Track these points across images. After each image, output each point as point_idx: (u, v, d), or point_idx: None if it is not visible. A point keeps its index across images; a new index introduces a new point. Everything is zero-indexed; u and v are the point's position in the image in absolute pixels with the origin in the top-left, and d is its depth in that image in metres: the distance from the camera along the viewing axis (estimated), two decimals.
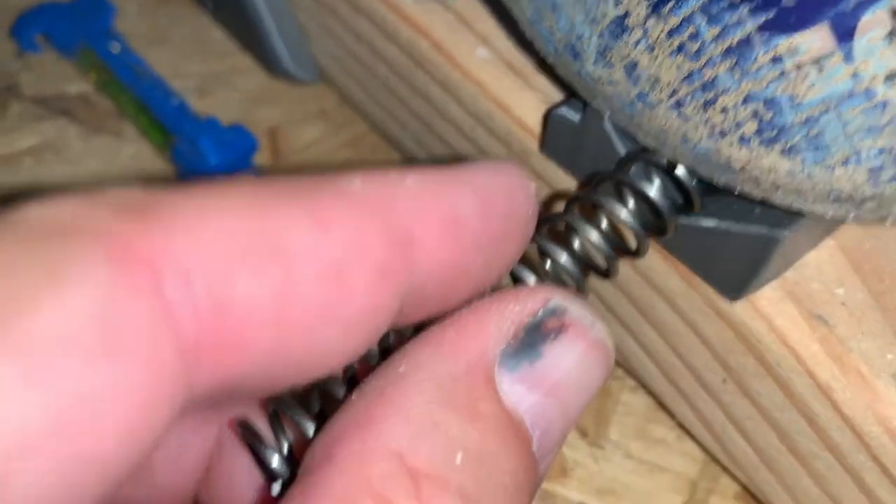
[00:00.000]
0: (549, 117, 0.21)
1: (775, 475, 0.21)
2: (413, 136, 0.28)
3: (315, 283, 0.12)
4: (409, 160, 0.30)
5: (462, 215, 0.14)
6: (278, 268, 0.11)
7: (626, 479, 0.24)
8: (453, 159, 0.25)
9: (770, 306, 0.19)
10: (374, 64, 0.27)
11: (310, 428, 0.15)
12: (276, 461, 0.15)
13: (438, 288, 0.14)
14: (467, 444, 0.13)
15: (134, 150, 0.30)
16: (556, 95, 0.22)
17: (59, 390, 0.09)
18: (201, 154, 0.26)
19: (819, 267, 0.19)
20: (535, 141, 0.22)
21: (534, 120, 0.22)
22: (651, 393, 0.25)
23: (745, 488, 0.23)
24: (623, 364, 0.24)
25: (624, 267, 0.21)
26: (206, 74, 0.32)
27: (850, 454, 0.18)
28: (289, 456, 0.15)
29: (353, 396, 0.14)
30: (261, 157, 0.29)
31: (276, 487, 0.15)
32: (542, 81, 0.23)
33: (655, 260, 0.20)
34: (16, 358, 0.09)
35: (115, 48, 0.30)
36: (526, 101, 0.22)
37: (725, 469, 0.23)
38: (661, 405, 0.24)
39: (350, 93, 0.30)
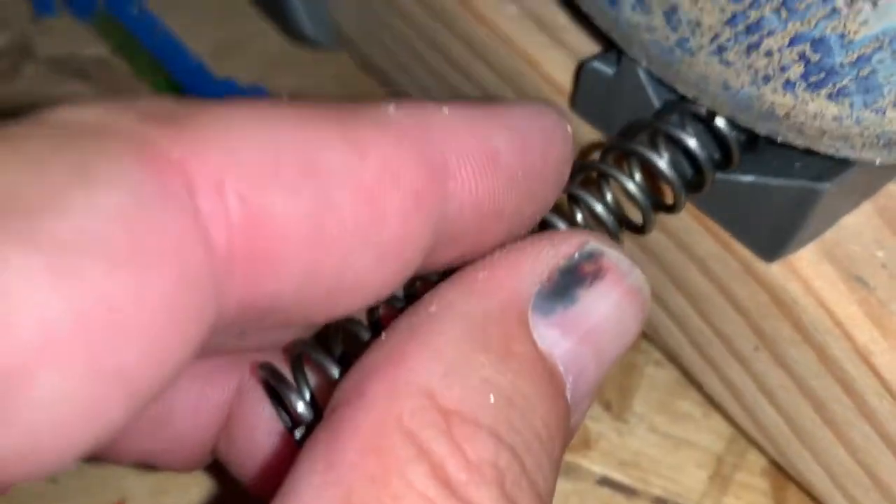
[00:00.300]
0: (581, 71, 0.20)
1: (808, 447, 0.20)
2: (435, 99, 0.27)
3: (350, 204, 0.11)
4: None
5: (498, 150, 0.13)
6: (313, 185, 0.11)
7: (651, 452, 0.23)
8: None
9: (808, 267, 0.18)
10: (395, 22, 0.26)
11: (335, 370, 0.14)
12: (300, 405, 0.14)
13: (471, 224, 0.14)
14: (500, 384, 0.12)
15: None
16: (587, 51, 0.22)
17: (84, 291, 0.09)
18: None
19: (858, 229, 0.19)
20: (565, 100, 0.21)
21: (563, 78, 0.21)
22: (678, 365, 0.24)
23: (773, 463, 0.23)
24: (650, 334, 0.24)
25: (653, 230, 0.21)
26: (224, 38, 0.31)
27: (888, 421, 0.18)
28: (311, 401, 0.15)
29: (383, 336, 0.13)
30: None
31: (299, 432, 0.14)
32: (573, 38, 0.22)
33: (688, 221, 0.19)
34: (43, 252, 0.09)
35: (134, 10, 0.30)
36: (555, 58, 0.22)
37: (753, 444, 0.23)
38: (688, 378, 0.24)
39: (369, 57, 0.30)
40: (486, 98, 0.24)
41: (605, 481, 0.22)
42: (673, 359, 0.24)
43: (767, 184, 0.17)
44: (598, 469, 0.23)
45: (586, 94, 0.20)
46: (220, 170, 0.10)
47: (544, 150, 0.14)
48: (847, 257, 0.18)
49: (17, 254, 0.08)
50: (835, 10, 0.14)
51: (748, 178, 0.18)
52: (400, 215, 0.12)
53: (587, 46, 0.22)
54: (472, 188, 0.13)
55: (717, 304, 0.20)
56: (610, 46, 0.19)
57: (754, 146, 0.18)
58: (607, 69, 0.19)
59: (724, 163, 0.18)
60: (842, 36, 0.14)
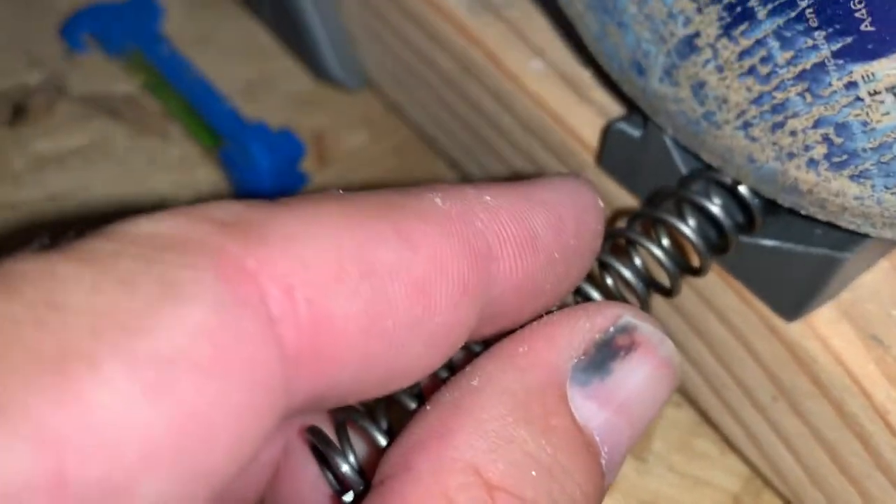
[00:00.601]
0: (608, 131, 0.21)
1: (823, 493, 0.21)
2: (462, 145, 0.28)
3: (403, 298, 0.12)
4: (455, 168, 0.30)
5: (536, 233, 0.14)
6: (370, 284, 0.12)
7: (669, 492, 0.24)
8: (514, 176, 0.26)
9: (826, 326, 0.19)
10: (424, 72, 0.27)
11: (381, 439, 0.15)
12: (346, 469, 0.15)
13: (511, 303, 0.14)
14: (541, 458, 0.13)
15: (180, 151, 0.30)
16: (612, 109, 0.22)
17: (178, 406, 0.09)
18: (251, 158, 0.27)
19: (874, 287, 0.20)
20: (591, 155, 0.22)
21: (589, 134, 0.22)
22: (696, 407, 0.25)
23: None
24: None
25: None
26: (252, 78, 0.32)
27: None
28: (357, 465, 0.15)
29: (428, 407, 0.14)
30: (306, 162, 0.30)
31: (347, 497, 0.15)
32: (598, 95, 0.23)
33: (711, 277, 0.20)
34: (139, 373, 0.09)
35: (164, 50, 0.31)
36: (582, 114, 0.22)
37: (768, 485, 0.24)
38: (706, 419, 0.25)
39: (396, 100, 0.30)
40: (519, 173, 0.25)
41: None
42: (691, 400, 0.25)
43: (789, 249, 0.18)
44: None
45: (612, 153, 0.21)
46: (289, 276, 0.11)
47: (578, 229, 0.15)
48: (864, 316, 0.19)
49: (119, 374, 0.09)
50: (858, 99, 0.15)
51: (770, 243, 0.18)
52: (448, 303, 0.13)
53: (613, 103, 0.22)
54: (513, 271, 0.14)
55: (737, 355, 0.21)
56: (636, 107, 0.20)
57: (778, 209, 0.19)
58: (633, 131, 0.20)
59: (748, 227, 0.18)
60: (864, 123, 0.15)
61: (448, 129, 0.28)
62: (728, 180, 0.18)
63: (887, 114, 0.15)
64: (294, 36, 0.30)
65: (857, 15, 0.14)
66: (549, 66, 0.23)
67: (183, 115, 0.30)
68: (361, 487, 0.15)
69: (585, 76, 0.23)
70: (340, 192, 0.13)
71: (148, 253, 0.10)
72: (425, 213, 0.13)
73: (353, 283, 0.12)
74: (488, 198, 0.14)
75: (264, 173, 0.27)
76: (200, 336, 0.10)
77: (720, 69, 0.17)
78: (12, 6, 0.34)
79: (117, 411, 0.09)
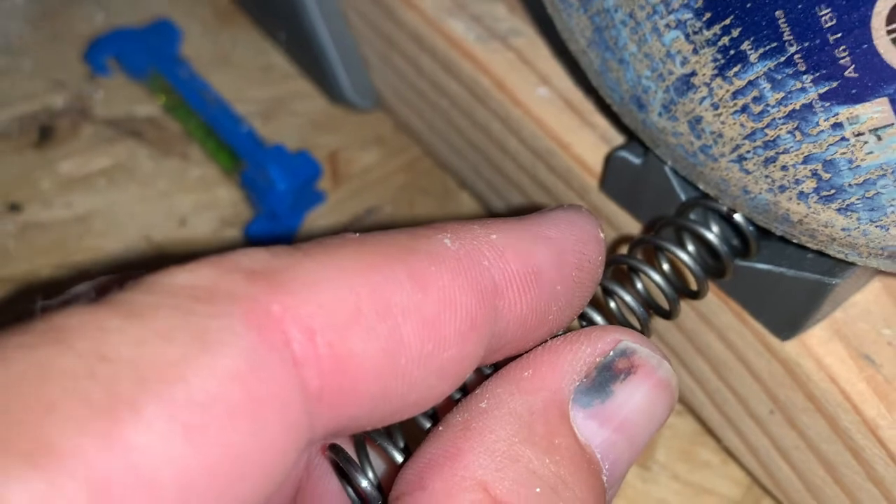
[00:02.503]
0: (610, 158, 0.22)
1: (819, 502, 0.22)
2: (470, 165, 0.29)
3: (415, 337, 0.13)
4: (463, 185, 0.31)
5: (540, 268, 0.15)
6: (385, 325, 0.13)
7: (673, 499, 0.25)
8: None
9: (819, 345, 0.20)
10: (435, 97, 0.28)
11: (398, 456, 0.16)
12: (366, 484, 0.16)
13: (516, 333, 0.15)
14: (545, 475, 0.14)
15: (201, 172, 0.31)
16: (615, 134, 0.23)
17: (212, 446, 0.11)
18: (270, 180, 0.28)
19: (866, 307, 0.20)
20: (594, 179, 0.23)
21: (593, 158, 0.23)
22: (698, 418, 0.26)
23: None
24: None
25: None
26: (269, 99, 0.33)
27: (894, 487, 0.20)
28: (376, 481, 0.16)
29: (440, 428, 0.15)
30: (322, 181, 0.31)
31: None
32: (601, 121, 0.24)
33: (710, 298, 0.21)
34: (177, 418, 0.10)
35: (183, 72, 0.32)
36: (585, 139, 0.24)
37: (768, 493, 0.25)
38: (707, 430, 0.26)
39: (407, 121, 0.31)
40: (529, 205, 0.26)
41: None
42: (692, 412, 0.26)
43: (782, 273, 0.19)
44: None
45: (614, 179, 0.22)
46: (311, 320, 0.12)
47: (580, 262, 0.16)
48: (856, 336, 0.20)
49: (159, 419, 0.10)
50: (844, 139, 0.16)
51: (765, 267, 0.19)
52: (457, 339, 0.14)
53: (615, 129, 0.23)
54: (518, 305, 0.15)
55: (735, 370, 0.22)
56: (635, 136, 0.21)
57: (771, 234, 0.20)
58: (634, 159, 0.21)
59: (744, 252, 0.19)
60: (850, 161, 0.16)
61: (457, 149, 0.29)
62: (724, 209, 0.19)
63: (871, 153, 0.16)
64: (309, 60, 0.31)
65: (841, 62, 0.15)
66: (554, 92, 0.24)
67: (203, 136, 0.31)
68: (380, 502, 0.16)
69: (589, 103, 0.24)
70: (357, 235, 0.14)
71: (183, 304, 0.11)
72: (435, 254, 0.14)
73: (370, 325, 0.13)
74: (494, 236, 0.15)
75: (283, 194, 0.28)
76: (232, 382, 0.11)
77: (715, 106, 0.18)
78: (38, 33, 0.35)
79: (158, 452, 0.10)
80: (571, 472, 0.15)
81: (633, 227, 0.23)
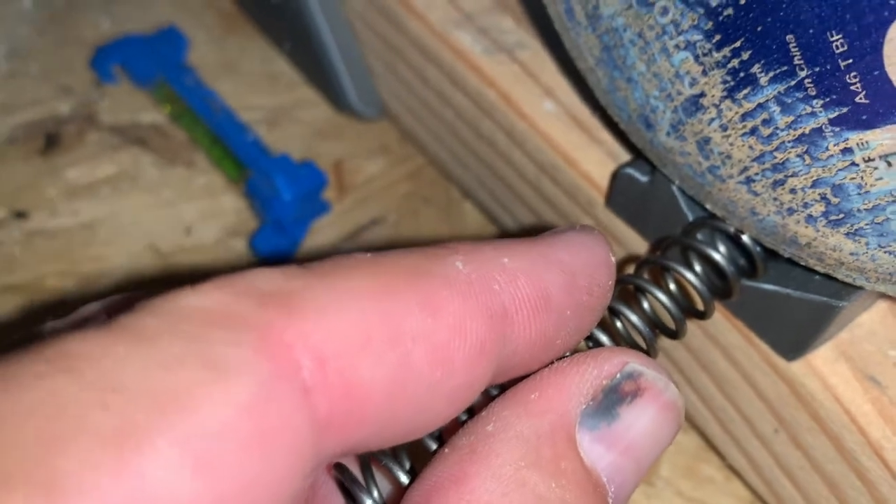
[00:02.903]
0: (616, 175, 0.22)
1: None
2: (474, 176, 0.29)
3: (425, 363, 0.13)
4: (467, 195, 0.31)
5: (550, 294, 0.15)
6: (396, 353, 0.13)
7: None
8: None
9: (825, 366, 0.20)
10: (440, 108, 0.28)
11: (404, 477, 0.16)
12: None
13: (524, 357, 0.15)
14: (551, 500, 0.14)
15: (206, 180, 0.31)
16: (621, 150, 0.23)
17: (222, 476, 0.11)
18: (276, 189, 0.28)
19: (872, 328, 0.20)
20: (600, 195, 0.23)
21: (599, 174, 0.23)
22: (702, 435, 0.26)
23: None
24: None
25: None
26: (274, 107, 0.33)
27: None
28: (381, 501, 0.16)
29: (446, 450, 0.15)
30: (327, 191, 0.31)
31: None
32: (608, 136, 0.24)
33: (717, 317, 0.21)
34: (188, 448, 0.10)
35: (189, 80, 0.32)
36: (592, 154, 0.23)
37: None
38: (711, 446, 0.26)
39: (412, 130, 0.31)
40: (535, 226, 0.26)
41: None
42: (697, 428, 0.26)
43: (789, 295, 0.19)
44: None
45: (620, 196, 0.22)
46: (323, 347, 0.12)
47: (590, 286, 0.16)
48: (861, 357, 0.20)
49: (170, 450, 0.10)
50: (853, 164, 0.16)
51: (771, 287, 0.19)
52: (466, 364, 0.14)
53: (624, 145, 0.23)
54: (527, 330, 0.15)
55: (740, 389, 0.22)
56: (642, 154, 0.21)
57: (778, 254, 0.20)
58: (641, 176, 0.21)
59: (751, 272, 0.19)
60: (859, 186, 0.16)
61: (461, 160, 0.29)
62: (732, 229, 0.19)
63: (881, 179, 0.16)
64: (315, 69, 0.31)
65: (852, 88, 0.15)
66: (560, 106, 0.24)
67: (208, 144, 0.31)
68: None
69: (596, 118, 0.24)
70: (369, 255, 0.14)
71: (194, 330, 0.11)
72: (447, 278, 0.14)
73: (380, 352, 0.13)
74: (506, 260, 0.15)
75: (288, 204, 0.28)
76: (243, 412, 0.11)
77: (724, 128, 0.18)
78: (45, 40, 0.35)
79: (169, 484, 0.10)
80: (578, 496, 0.15)
81: (638, 244, 0.22)
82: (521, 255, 0.15)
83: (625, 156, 0.23)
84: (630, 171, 0.21)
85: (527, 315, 0.15)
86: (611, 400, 0.16)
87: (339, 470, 0.17)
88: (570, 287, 0.16)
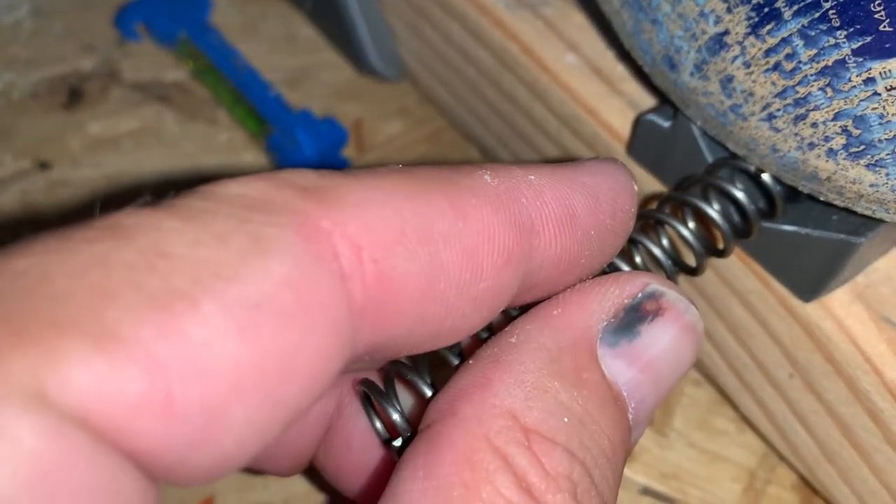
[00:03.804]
0: (638, 122, 0.22)
1: (835, 467, 0.22)
2: (495, 134, 0.29)
3: (455, 263, 0.14)
4: (486, 155, 0.31)
5: (576, 211, 0.16)
6: (427, 250, 0.13)
7: (688, 466, 0.25)
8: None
9: (840, 308, 0.20)
10: (462, 65, 0.29)
11: (427, 390, 0.16)
12: (396, 416, 0.16)
13: (549, 274, 0.16)
14: (573, 407, 0.15)
15: (228, 136, 0.32)
16: (642, 101, 0.24)
17: (263, 344, 0.11)
18: (297, 144, 0.28)
19: (888, 272, 0.21)
20: (621, 144, 0.23)
21: (619, 124, 0.23)
22: (715, 385, 0.26)
23: (802, 479, 0.25)
24: None
25: None
26: (295, 68, 0.34)
27: None
28: (403, 415, 0.17)
29: (471, 361, 0.15)
30: (347, 149, 0.31)
31: (397, 443, 0.16)
32: (628, 88, 0.24)
33: (733, 261, 0.22)
34: (232, 315, 0.11)
35: (212, 39, 0.32)
36: (612, 105, 0.24)
37: (783, 460, 0.25)
38: (725, 398, 0.26)
39: (432, 91, 0.32)
40: (560, 157, 0.26)
41: (647, 491, 0.25)
42: (710, 379, 0.26)
43: (807, 234, 0.19)
44: (641, 480, 0.25)
45: (642, 143, 0.22)
46: (358, 237, 0.12)
47: (613, 210, 0.16)
48: (877, 299, 0.20)
49: (216, 315, 0.11)
50: (875, 94, 0.16)
51: (790, 228, 0.20)
52: (494, 270, 0.14)
53: (643, 95, 0.24)
54: (552, 245, 0.15)
55: (756, 335, 0.23)
56: (665, 99, 0.21)
57: (797, 197, 0.20)
58: (663, 122, 0.21)
59: (770, 213, 0.20)
60: (881, 116, 0.16)
61: (482, 118, 0.30)
62: (752, 168, 0.19)
63: None
64: (336, 29, 0.32)
65: (876, 16, 0.15)
66: (582, 60, 0.25)
67: (230, 102, 0.31)
68: (409, 434, 0.16)
69: (617, 70, 0.24)
70: (401, 166, 0.15)
71: (238, 212, 0.12)
72: (476, 188, 0.14)
73: (413, 248, 0.13)
74: (533, 177, 0.15)
75: (309, 159, 0.28)
76: (284, 285, 0.11)
77: (747, 65, 0.18)
78: None
79: (214, 346, 0.11)
80: (598, 406, 0.15)
81: (659, 190, 0.23)
82: (547, 175, 0.16)
83: (645, 106, 0.24)
84: (652, 117, 0.22)
85: (553, 230, 0.15)
86: (632, 318, 0.16)
87: (364, 384, 0.17)
88: (594, 207, 0.16)
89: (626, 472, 0.25)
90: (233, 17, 0.35)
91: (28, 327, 0.10)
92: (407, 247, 0.13)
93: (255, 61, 0.33)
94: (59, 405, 0.09)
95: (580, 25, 0.26)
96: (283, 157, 0.29)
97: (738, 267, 0.22)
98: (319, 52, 0.34)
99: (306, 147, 0.28)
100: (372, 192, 0.13)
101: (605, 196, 0.16)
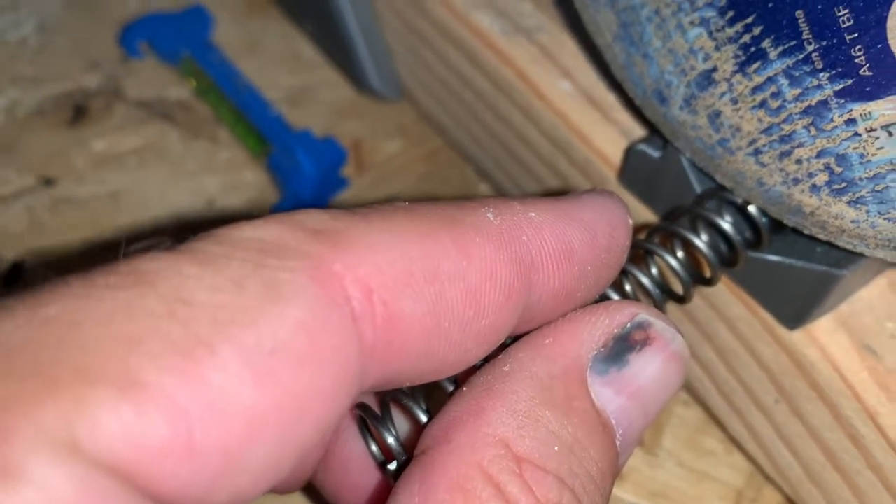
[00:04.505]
0: (629, 152, 0.23)
1: (819, 488, 0.23)
2: (490, 155, 0.30)
3: (459, 302, 0.14)
4: (482, 175, 0.32)
5: (574, 247, 0.16)
6: (433, 289, 0.14)
7: (677, 485, 0.26)
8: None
9: (824, 336, 0.21)
10: (459, 88, 0.29)
11: (423, 416, 0.17)
12: (391, 440, 0.17)
13: (546, 307, 0.16)
14: (563, 436, 0.15)
15: (229, 155, 0.32)
16: (634, 129, 0.24)
17: (278, 388, 0.11)
18: (297, 163, 0.29)
19: (871, 302, 0.21)
20: (613, 171, 0.24)
21: (612, 151, 0.24)
22: (704, 406, 0.26)
23: (788, 499, 0.25)
24: None
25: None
26: (296, 87, 0.34)
27: (891, 474, 0.20)
28: (398, 439, 0.17)
29: (464, 389, 0.16)
30: (346, 168, 0.32)
31: (391, 466, 0.17)
32: (621, 116, 0.25)
33: (721, 288, 0.22)
34: (248, 360, 0.11)
35: (214, 57, 0.33)
36: (605, 133, 0.24)
37: (769, 481, 0.25)
38: (713, 418, 0.26)
39: (430, 111, 0.32)
40: (556, 189, 0.27)
41: None
42: (699, 401, 0.27)
43: (792, 265, 0.20)
44: (631, 498, 0.25)
45: (633, 172, 0.23)
46: (368, 279, 0.13)
47: (609, 245, 0.17)
48: (860, 328, 0.21)
49: (233, 361, 0.11)
50: (856, 134, 0.17)
51: (775, 258, 0.20)
52: (495, 307, 0.15)
53: (635, 124, 0.24)
54: (551, 280, 0.16)
55: (743, 359, 0.23)
56: (656, 130, 0.22)
57: (783, 228, 0.20)
58: (654, 152, 0.22)
59: (756, 243, 0.20)
60: (861, 155, 0.17)
61: (478, 139, 0.30)
62: (739, 200, 0.20)
63: (882, 148, 0.16)
64: (336, 50, 0.32)
65: (857, 61, 0.16)
66: (575, 87, 0.25)
67: (232, 120, 0.32)
68: (404, 458, 0.17)
69: (609, 98, 0.25)
70: (406, 203, 0.15)
71: (253, 257, 0.12)
72: (479, 226, 0.15)
73: (420, 288, 0.14)
74: (533, 214, 0.16)
75: (309, 178, 0.29)
76: (298, 330, 0.12)
77: (735, 101, 0.18)
78: (74, 15, 0.36)
79: (231, 391, 0.11)
80: (587, 433, 0.16)
81: (649, 218, 0.23)
82: (546, 211, 0.16)
83: (637, 134, 0.24)
84: (643, 147, 0.22)
85: (551, 266, 0.16)
86: (621, 347, 0.17)
87: (361, 408, 0.18)
88: (591, 243, 0.16)
89: (617, 490, 0.25)
90: (234, 34, 0.36)
91: (60, 377, 0.10)
92: (414, 288, 0.14)
93: (256, 79, 0.33)
94: (90, 452, 0.10)
95: (574, 53, 0.26)
96: (283, 176, 0.30)
97: (726, 294, 0.22)
98: (320, 71, 0.35)
99: (306, 166, 0.29)
100: (381, 234, 0.14)
101: (602, 231, 0.17)
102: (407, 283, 0.13)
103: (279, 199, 0.30)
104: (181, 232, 0.15)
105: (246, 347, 0.11)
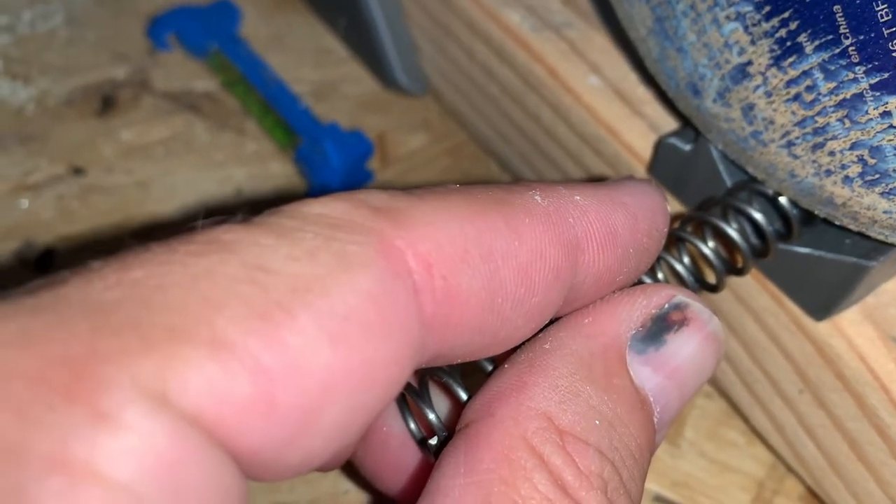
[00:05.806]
0: (659, 144, 0.23)
1: (842, 480, 0.23)
2: (516, 150, 0.30)
3: (511, 279, 0.15)
4: (506, 170, 0.32)
5: (617, 230, 0.17)
6: (488, 266, 0.14)
7: (699, 475, 0.26)
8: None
9: (851, 327, 0.21)
10: (486, 83, 0.30)
11: (463, 393, 0.17)
12: (433, 417, 0.17)
13: (590, 288, 0.17)
14: (603, 411, 0.16)
15: (256, 146, 0.32)
16: (663, 123, 0.25)
17: (350, 352, 0.12)
18: (325, 156, 0.29)
19: None
20: (642, 165, 0.24)
21: (641, 145, 0.24)
22: (726, 398, 0.27)
23: (810, 490, 0.26)
24: None
25: None
26: (321, 81, 0.35)
27: None
28: (439, 416, 0.18)
29: (506, 365, 0.16)
30: (371, 161, 0.32)
31: (433, 442, 0.17)
32: (650, 110, 0.25)
33: (749, 280, 0.22)
34: (324, 325, 0.12)
35: (242, 51, 0.33)
36: (634, 127, 0.25)
37: (791, 472, 0.26)
38: (735, 410, 0.27)
39: (455, 106, 0.33)
40: (582, 175, 0.27)
41: (659, 499, 0.26)
42: (722, 392, 0.27)
43: (821, 257, 0.20)
44: (654, 487, 0.26)
45: (663, 165, 0.23)
46: (429, 255, 0.13)
47: (650, 229, 0.17)
48: (886, 320, 0.21)
49: (310, 325, 0.12)
50: (891, 126, 0.17)
51: (804, 250, 0.21)
52: (544, 286, 0.15)
53: (664, 118, 0.25)
54: (595, 262, 0.16)
55: (768, 351, 0.23)
56: (687, 123, 0.22)
57: (812, 220, 0.21)
58: (684, 145, 0.22)
59: (786, 235, 0.21)
60: (895, 147, 0.17)
61: (504, 133, 0.31)
62: (770, 192, 0.20)
63: None
64: (362, 44, 0.33)
65: (894, 54, 0.16)
66: (604, 82, 0.26)
67: (259, 113, 0.32)
68: (444, 434, 0.17)
69: (638, 93, 0.25)
70: (458, 186, 0.16)
71: (323, 230, 0.13)
72: (529, 207, 0.15)
73: (476, 265, 0.14)
74: (578, 197, 0.16)
75: (336, 170, 0.29)
76: (367, 299, 0.12)
77: (769, 94, 0.19)
78: (103, 8, 0.36)
79: (308, 353, 0.12)
80: (627, 410, 0.16)
81: (678, 211, 0.24)
82: (591, 195, 0.17)
83: (666, 129, 0.25)
84: (673, 140, 0.23)
85: (596, 248, 0.16)
86: (659, 327, 0.17)
87: (406, 388, 0.18)
88: (633, 227, 0.17)
89: None
90: (260, 29, 0.36)
91: (151, 334, 0.11)
92: (471, 264, 0.14)
93: (282, 73, 0.34)
94: (179, 406, 0.10)
95: (603, 48, 0.27)
96: (311, 168, 0.30)
97: (752, 285, 0.23)
98: (345, 65, 0.35)
99: (334, 159, 0.29)
100: (438, 212, 0.14)
101: (643, 216, 0.17)
102: (464, 259, 0.14)
103: (306, 190, 0.31)
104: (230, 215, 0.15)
105: (321, 313, 0.12)
